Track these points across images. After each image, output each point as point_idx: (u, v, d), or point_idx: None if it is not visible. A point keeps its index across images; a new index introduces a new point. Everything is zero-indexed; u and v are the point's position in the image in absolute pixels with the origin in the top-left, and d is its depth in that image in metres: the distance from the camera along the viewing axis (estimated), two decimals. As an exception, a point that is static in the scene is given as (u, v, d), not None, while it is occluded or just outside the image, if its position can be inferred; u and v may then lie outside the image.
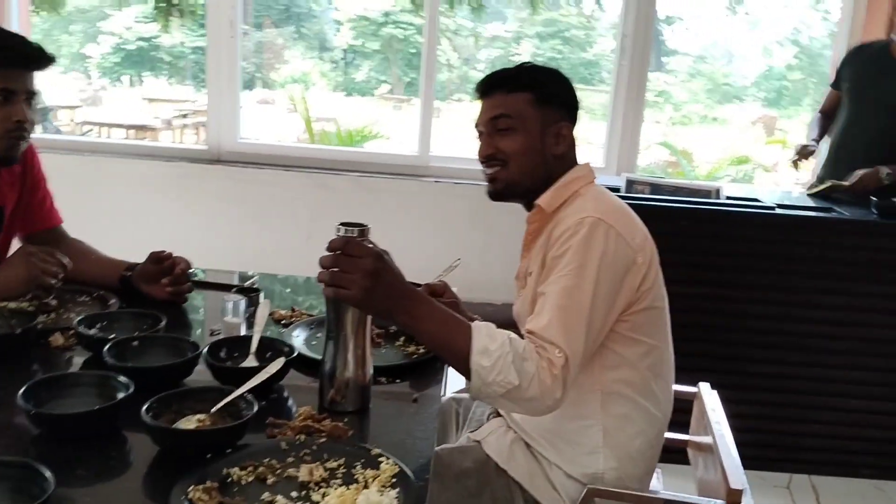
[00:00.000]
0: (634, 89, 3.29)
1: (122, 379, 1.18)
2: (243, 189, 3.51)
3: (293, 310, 1.68)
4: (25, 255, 1.49)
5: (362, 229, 1.22)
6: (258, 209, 3.51)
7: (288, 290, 1.99)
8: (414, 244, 3.17)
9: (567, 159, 1.44)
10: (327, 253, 1.17)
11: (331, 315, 1.26)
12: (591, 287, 1.24)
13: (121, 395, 1.16)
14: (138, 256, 1.75)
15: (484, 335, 1.17)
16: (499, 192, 1.47)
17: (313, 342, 1.51)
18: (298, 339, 1.50)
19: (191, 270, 1.69)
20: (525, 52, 11.29)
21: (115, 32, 12.74)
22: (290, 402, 1.30)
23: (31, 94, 1.56)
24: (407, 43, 11.22)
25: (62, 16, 9.95)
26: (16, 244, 1.77)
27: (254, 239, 3.49)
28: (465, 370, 1.17)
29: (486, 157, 1.45)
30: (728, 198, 2.60)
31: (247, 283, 1.80)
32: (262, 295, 1.68)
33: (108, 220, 3.23)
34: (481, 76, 1.50)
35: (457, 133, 5.16)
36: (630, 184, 2.57)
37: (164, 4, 8.49)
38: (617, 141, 3.33)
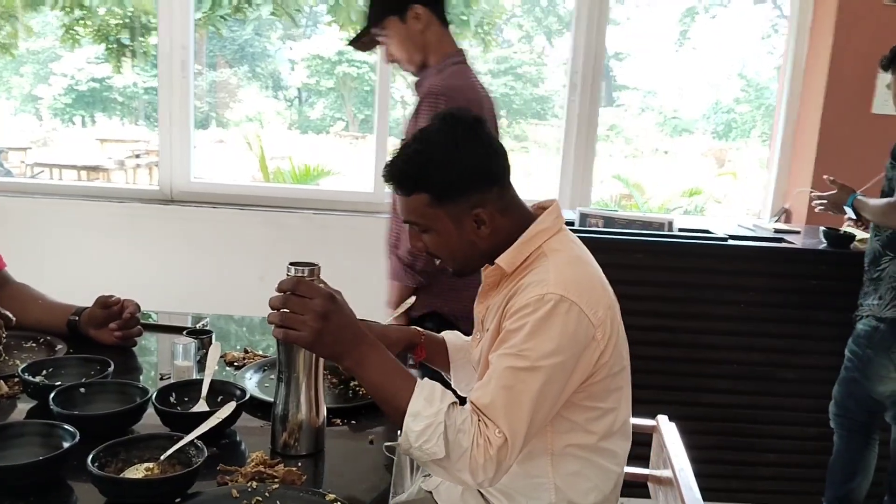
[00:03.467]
0: (585, 124, 3.36)
1: (68, 427, 1.15)
2: (196, 229, 3.46)
3: (246, 351, 1.65)
4: None
5: (312, 269, 1.21)
6: (212, 249, 3.46)
7: (244, 329, 1.96)
8: (369, 281, 3.16)
9: (505, 227, 1.31)
10: (278, 293, 1.16)
11: (282, 356, 1.24)
12: (543, 373, 1.16)
13: (67, 445, 1.12)
14: (91, 300, 1.70)
15: (423, 398, 1.13)
16: (457, 274, 1.39)
17: (266, 384, 1.48)
18: (251, 381, 1.48)
19: (141, 313, 1.66)
20: (480, 89, 11.46)
21: (67, 73, 12.59)
22: (243, 446, 1.28)
23: None
24: (361, 80, 11.31)
25: (14, 57, 9.80)
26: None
27: (208, 279, 3.43)
28: (400, 426, 1.15)
29: (415, 252, 1.39)
30: (680, 230, 2.65)
31: (198, 325, 1.76)
32: (213, 337, 1.65)
33: (59, 262, 3.15)
34: None
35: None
36: (584, 217, 2.61)
37: (116, 46, 8.42)
38: (570, 175, 3.39)
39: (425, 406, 1.12)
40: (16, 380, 1.40)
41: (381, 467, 1.25)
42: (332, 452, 1.28)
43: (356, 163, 8.65)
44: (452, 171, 1.27)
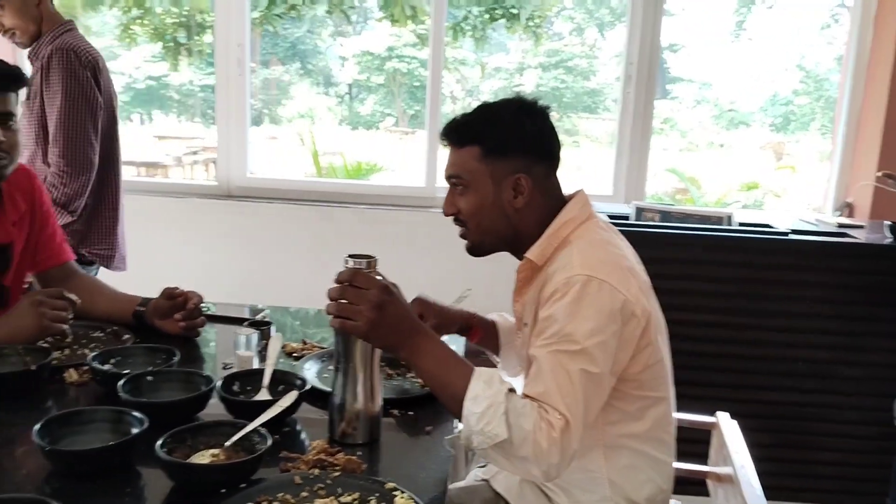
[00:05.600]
0: (641, 117, 3.31)
1: (137, 414, 1.18)
2: (252, 223, 3.52)
3: (304, 342, 1.68)
4: (34, 306, 1.49)
5: (370, 261, 1.22)
6: (266, 243, 3.52)
7: (297, 322, 1.99)
8: (420, 275, 3.17)
9: (538, 207, 1.33)
10: (335, 285, 1.18)
11: (339, 347, 1.26)
12: (589, 353, 1.16)
13: (135, 431, 1.16)
14: (150, 291, 1.76)
15: (481, 382, 1.14)
16: (470, 250, 1.41)
17: (325, 374, 1.51)
18: (310, 371, 1.50)
19: (202, 305, 1.70)
20: (528, 83, 11.39)
21: (125, 72, 12.93)
22: (303, 434, 1.30)
23: (6, 115, 1.54)
24: (411, 76, 11.34)
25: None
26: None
27: (262, 272, 3.50)
28: (458, 414, 1.15)
29: (450, 216, 1.39)
30: (740, 224, 2.59)
31: (258, 317, 1.80)
32: (273, 328, 1.68)
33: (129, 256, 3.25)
34: None
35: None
36: (639, 212, 2.58)
37: (173, 44, 8.62)
38: (624, 169, 3.34)
39: (484, 388, 1.13)
40: (85, 368, 1.45)
41: (438, 457, 1.25)
42: (388, 442, 1.29)
43: (406, 158, 8.70)
44: (509, 130, 1.31)
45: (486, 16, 6.08)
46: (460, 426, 1.26)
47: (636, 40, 3.25)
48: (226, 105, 3.51)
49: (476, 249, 1.40)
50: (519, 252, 1.37)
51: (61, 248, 1.80)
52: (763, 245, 2.46)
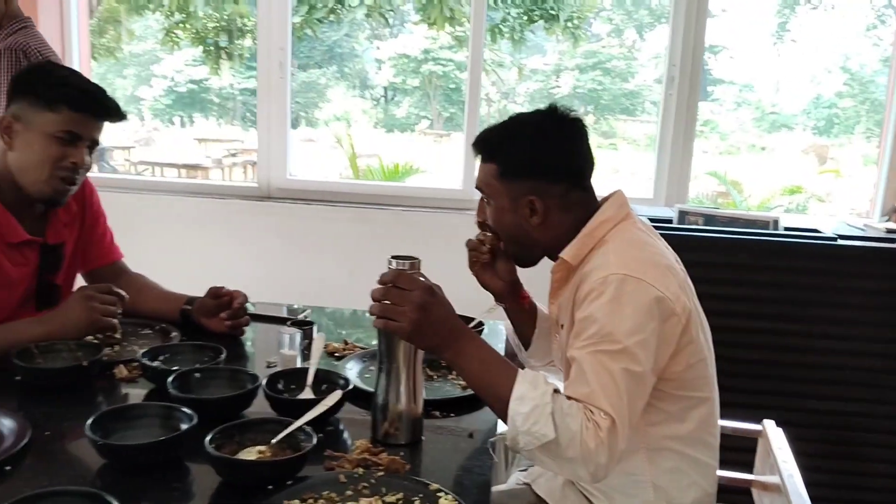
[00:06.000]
0: (683, 119, 3.27)
1: (186, 410, 1.20)
2: (291, 224, 3.56)
3: (346, 343, 1.69)
4: (84, 300, 1.52)
5: (413, 262, 1.23)
6: (305, 244, 3.55)
7: (332, 322, 2.00)
8: (458, 277, 3.17)
9: (560, 223, 1.33)
10: (378, 286, 1.19)
11: (382, 347, 1.27)
12: (630, 352, 1.15)
13: (184, 426, 1.18)
14: (190, 289, 1.80)
15: (527, 382, 1.14)
16: (516, 263, 1.45)
17: (366, 375, 1.52)
18: (352, 371, 1.51)
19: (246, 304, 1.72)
20: (565, 85, 11.34)
21: (167, 75, 13.19)
22: (346, 434, 1.31)
23: (94, 143, 1.60)
24: (446, 79, 11.37)
25: (118, 60, 10.34)
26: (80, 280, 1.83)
27: (300, 272, 3.53)
28: (503, 415, 1.15)
29: (480, 225, 1.43)
30: (786, 228, 2.55)
31: (300, 317, 1.82)
32: (315, 328, 1.69)
33: (162, 255, 3.30)
34: (521, 110, 1.46)
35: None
36: (683, 215, 2.54)
37: (213, 48, 8.77)
38: (666, 172, 3.30)
39: (530, 389, 1.12)
40: (135, 364, 1.48)
41: (480, 460, 1.25)
42: (430, 444, 1.29)
43: (441, 160, 8.72)
44: (524, 152, 1.33)
45: (525, 17, 6.08)
46: (503, 428, 1.26)
47: (679, 41, 3.21)
48: (267, 108, 3.56)
49: (519, 259, 1.44)
50: (554, 256, 1.37)
51: (110, 247, 1.84)
52: (810, 250, 2.41)
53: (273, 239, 3.56)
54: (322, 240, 3.55)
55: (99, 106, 1.58)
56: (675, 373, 1.27)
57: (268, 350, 1.68)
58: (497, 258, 1.51)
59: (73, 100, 1.54)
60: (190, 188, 3.78)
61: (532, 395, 1.12)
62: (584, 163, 1.37)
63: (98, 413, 1.18)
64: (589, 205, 1.36)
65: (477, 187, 1.39)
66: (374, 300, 1.19)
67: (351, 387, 1.35)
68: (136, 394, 1.43)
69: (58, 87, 1.54)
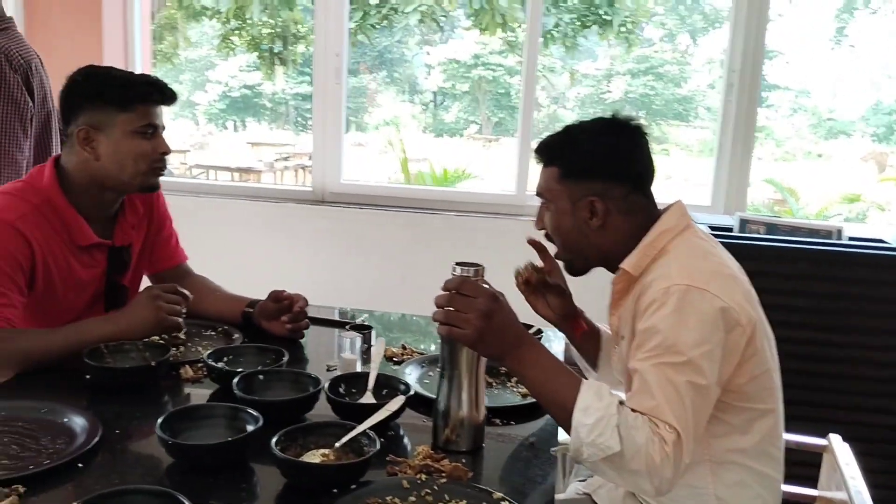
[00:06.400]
0: (742, 126, 3.21)
1: (252, 412, 1.22)
2: (344, 228, 3.60)
3: (404, 347, 1.70)
4: (151, 299, 1.55)
5: (477, 269, 1.23)
6: (357, 248, 3.59)
7: (380, 326, 2.01)
8: (511, 284, 3.16)
9: (620, 227, 1.33)
10: (442, 292, 1.19)
11: (445, 354, 1.27)
12: (695, 364, 1.14)
13: (250, 428, 1.20)
14: (243, 291, 1.84)
15: (591, 393, 1.13)
16: (568, 270, 1.44)
17: (426, 380, 1.52)
18: (411, 376, 1.52)
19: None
20: (616, 90, 11.23)
21: (221, 81, 13.48)
22: (406, 439, 1.32)
23: (164, 129, 1.67)
24: (496, 83, 11.37)
25: (174, 66, 10.60)
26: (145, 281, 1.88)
27: (352, 276, 3.56)
28: (566, 425, 1.14)
29: (539, 230, 1.43)
30: (850, 238, 2.48)
31: (358, 321, 1.83)
32: (374, 333, 1.71)
33: (216, 257, 3.36)
34: (571, 115, 1.47)
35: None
36: (743, 223, 2.49)
37: (268, 54, 8.93)
38: (724, 179, 3.25)
39: (595, 400, 1.12)
40: (200, 365, 1.51)
41: (542, 469, 1.24)
42: (491, 451, 1.29)
43: (491, 165, 8.71)
44: (586, 153, 1.34)
45: (578, 23, 6.04)
46: (563, 437, 1.25)
47: (738, 47, 3.16)
48: (322, 113, 3.60)
49: (570, 268, 1.43)
50: (612, 266, 1.37)
51: (176, 250, 1.88)
52: (876, 261, 2.33)
53: (326, 242, 3.60)
54: (374, 244, 3.57)
55: (162, 93, 1.64)
56: (740, 384, 1.25)
57: (326, 353, 1.70)
58: (548, 290, 1.52)
59: (142, 94, 1.60)
60: (246, 192, 3.85)
61: (597, 405, 1.11)
62: (646, 168, 1.36)
63: (167, 413, 1.21)
64: (649, 212, 1.35)
65: (537, 193, 1.40)
66: (437, 307, 1.19)
67: (412, 392, 1.35)
68: (200, 394, 1.46)
69: (123, 87, 1.60)
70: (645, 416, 1.12)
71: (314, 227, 3.62)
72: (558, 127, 1.42)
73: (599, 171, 1.33)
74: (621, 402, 1.13)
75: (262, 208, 3.67)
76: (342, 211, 3.61)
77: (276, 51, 8.82)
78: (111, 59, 3.60)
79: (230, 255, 3.58)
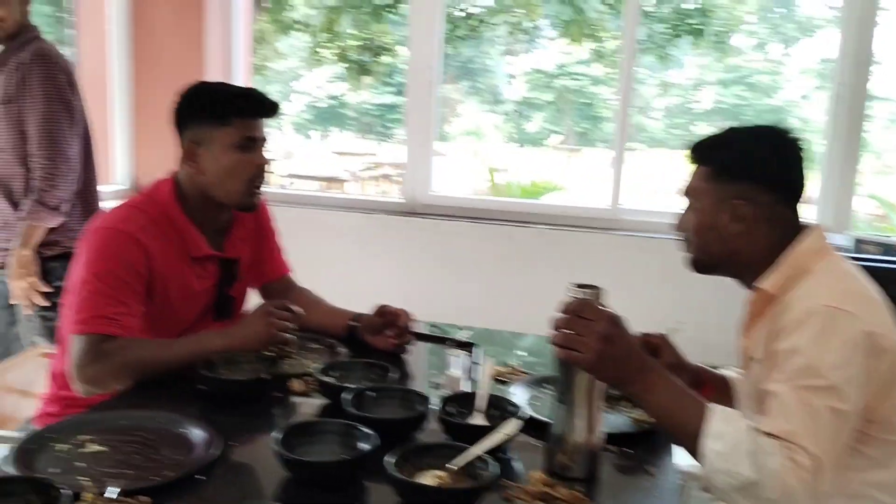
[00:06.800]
0: (845, 139, 3.05)
1: (366, 430, 1.22)
2: (434, 240, 3.60)
3: (509, 366, 1.67)
4: (263, 315, 1.58)
5: (596, 291, 1.20)
6: (447, 260, 3.58)
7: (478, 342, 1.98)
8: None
9: (761, 236, 1.30)
10: (561, 314, 1.17)
11: (562, 377, 1.24)
12: (837, 388, 1.10)
13: (363, 445, 1.19)
14: (335, 302, 1.87)
15: (721, 418, 1.09)
16: (691, 264, 1.41)
17: (535, 402, 1.49)
18: (519, 397, 1.48)
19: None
20: (705, 99, 10.93)
21: (308, 91, 13.81)
22: (517, 462, 1.28)
23: (264, 141, 1.69)
24: (580, 93, 11.24)
25: (265, 77, 10.91)
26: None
27: (442, 288, 3.55)
28: (694, 452, 1.10)
29: (679, 231, 1.41)
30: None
31: (460, 337, 1.82)
32: (478, 350, 1.68)
33: (307, 266, 3.42)
34: (657, 124, 1.45)
35: (640, 183, 5.03)
36: (858, 243, 2.36)
37: (356, 66, 9.08)
38: (830, 194, 3.09)
39: (725, 425, 1.08)
40: (309, 379, 1.52)
41: (663, 498, 1.19)
42: (608, 479, 1.25)
43: (576, 176, 8.61)
44: (741, 153, 1.32)
45: (670, 32, 5.91)
46: (684, 464, 1.20)
47: (849, 57, 3.01)
48: (414, 125, 3.63)
49: (694, 264, 1.40)
50: (743, 279, 1.34)
51: (280, 262, 1.91)
52: None
53: (417, 254, 3.62)
54: (464, 256, 3.56)
55: (261, 106, 1.66)
56: (883, 415, 1.19)
57: (430, 370, 1.69)
58: (661, 351, 1.47)
59: (240, 108, 1.63)
60: (337, 202, 3.91)
61: (728, 431, 1.07)
62: (798, 181, 1.33)
63: (286, 427, 1.22)
64: (792, 228, 1.31)
65: (684, 193, 1.39)
66: (555, 329, 1.17)
67: (527, 415, 1.32)
68: (308, 408, 1.47)
69: (222, 102, 1.63)
70: (779, 441, 1.07)
71: (404, 238, 3.64)
72: (642, 138, 1.41)
73: (751, 172, 1.31)
74: (751, 427, 1.09)
75: (353, 219, 3.71)
76: (433, 222, 3.61)
77: (362, 62, 8.97)
78: (213, 71, 3.72)
79: (320, 265, 3.62)
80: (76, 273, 1.58)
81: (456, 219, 3.60)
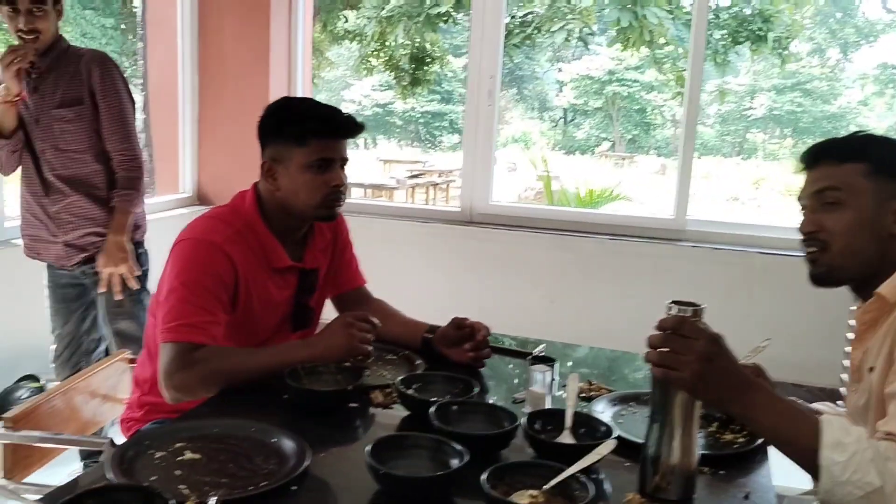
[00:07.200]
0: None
1: (456, 445, 1.21)
2: (492, 249, 3.59)
3: (590, 383, 1.65)
4: (345, 327, 1.58)
5: (696, 309, 1.17)
6: (505, 270, 3.57)
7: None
8: (719, 322, 3.03)
9: None
10: (657, 331, 1.14)
11: (657, 396, 1.21)
12: None
13: (453, 461, 1.18)
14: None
15: (837, 428, 1.06)
16: (820, 277, 1.33)
17: (619, 420, 1.46)
18: (604, 415, 1.46)
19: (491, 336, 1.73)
20: (760, 106, 10.72)
21: (355, 100, 13.96)
22: (607, 483, 1.26)
23: (344, 161, 1.69)
24: (630, 100, 11.13)
25: (315, 86, 11.06)
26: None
27: (499, 299, 3.54)
28: (811, 467, 1.07)
29: (807, 235, 1.32)
30: None
31: (535, 351, 1.80)
32: (558, 365, 1.66)
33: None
34: (711, 132, 1.40)
35: (696, 192, 4.91)
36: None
37: (405, 74, 9.15)
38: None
39: (843, 435, 1.05)
40: (389, 390, 1.52)
41: (762, 524, 1.16)
42: (702, 501, 1.21)
43: (630, 184, 8.51)
44: None
45: (729, 39, 5.82)
46: (784, 486, 1.17)
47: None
48: (473, 134, 3.62)
49: (827, 277, 1.33)
50: (866, 288, 1.29)
51: (356, 273, 1.92)
52: None
53: (474, 264, 3.61)
54: (523, 266, 3.55)
55: (339, 127, 1.66)
56: None
57: (508, 384, 1.67)
58: None
59: (317, 130, 1.63)
60: (390, 210, 3.92)
61: (847, 441, 1.05)
62: None
63: (377, 440, 1.21)
64: None
65: (824, 189, 1.31)
66: (651, 347, 1.14)
67: (617, 435, 1.30)
68: (389, 419, 1.47)
69: (300, 122, 1.64)
70: None
71: (462, 247, 3.64)
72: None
73: None
74: (864, 433, 1.07)
75: (407, 227, 3.72)
76: (491, 232, 3.61)
77: (411, 71, 9.03)
78: (277, 83, 3.78)
79: (375, 273, 3.64)
80: (164, 282, 1.61)
81: (514, 228, 3.58)
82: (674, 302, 1.18)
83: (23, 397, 2.94)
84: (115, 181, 2.41)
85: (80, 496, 1.03)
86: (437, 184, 9.66)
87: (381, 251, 3.71)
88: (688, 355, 1.10)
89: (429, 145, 12.99)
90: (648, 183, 9.40)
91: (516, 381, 1.73)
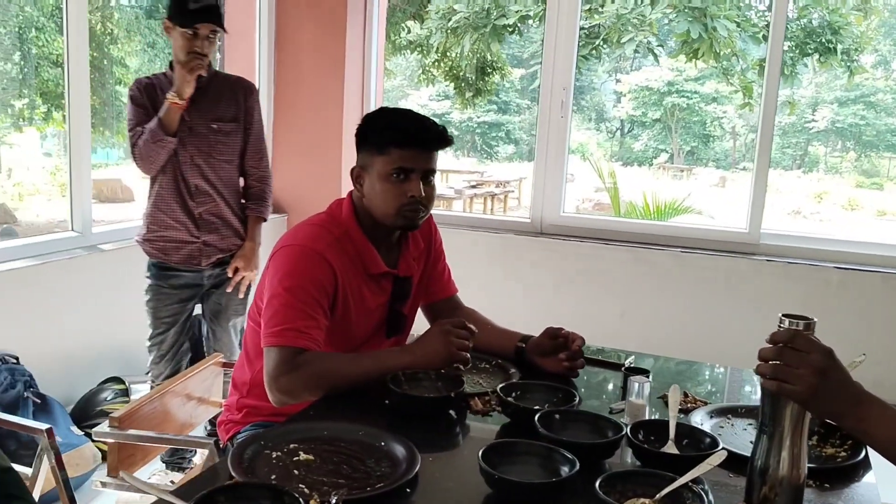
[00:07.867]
0: None
1: (565, 453, 1.24)
2: (562, 261, 3.60)
3: (686, 395, 1.66)
4: (444, 334, 1.62)
5: (809, 322, 1.17)
6: (576, 282, 3.58)
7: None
8: (743, 326, 3.01)
9: None
10: (769, 344, 1.15)
11: (766, 409, 1.21)
12: None
13: (563, 468, 1.21)
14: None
15: None
16: None
17: (718, 432, 1.47)
18: (704, 427, 1.47)
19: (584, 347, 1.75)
20: (822, 119, 10.49)
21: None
22: (711, 495, 1.27)
23: (428, 172, 1.70)
24: (690, 111, 11.01)
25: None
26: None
27: (570, 310, 3.55)
28: None
29: None
30: None
31: (627, 362, 1.81)
32: (651, 376, 1.68)
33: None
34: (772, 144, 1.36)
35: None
36: None
37: (464, 85, 9.21)
38: None
39: None
40: (487, 398, 1.55)
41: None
42: (810, 515, 1.22)
43: (688, 196, 8.41)
44: None
45: (797, 51, 5.73)
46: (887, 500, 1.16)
47: None
48: (545, 145, 3.65)
49: None
50: None
51: (448, 282, 1.96)
52: None
53: (545, 275, 3.63)
54: (593, 279, 3.55)
55: (421, 139, 1.67)
56: None
57: (604, 394, 1.69)
58: None
59: (398, 140, 1.65)
60: (462, 221, 3.96)
61: None
62: None
63: (489, 445, 1.25)
64: None
65: None
66: (762, 360, 1.15)
67: (722, 446, 1.31)
68: (488, 427, 1.50)
69: (383, 130, 1.67)
70: None
71: (533, 258, 3.66)
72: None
73: None
74: None
75: (476, 237, 3.75)
76: (560, 243, 3.62)
77: (472, 82, 9.09)
78: (351, 94, 3.86)
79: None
80: (266, 287, 1.67)
81: (584, 240, 3.59)
82: (785, 315, 1.19)
83: (108, 399, 3.06)
84: (249, 194, 2.75)
85: (212, 493, 1.09)
86: (496, 194, 9.69)
87: (452, 262, 3.76)
88: (802, 369, 1.11)
89: (485, 156, 13.02)
90: (709, 195, 9.27)
91: (610, 388, 1.75)
